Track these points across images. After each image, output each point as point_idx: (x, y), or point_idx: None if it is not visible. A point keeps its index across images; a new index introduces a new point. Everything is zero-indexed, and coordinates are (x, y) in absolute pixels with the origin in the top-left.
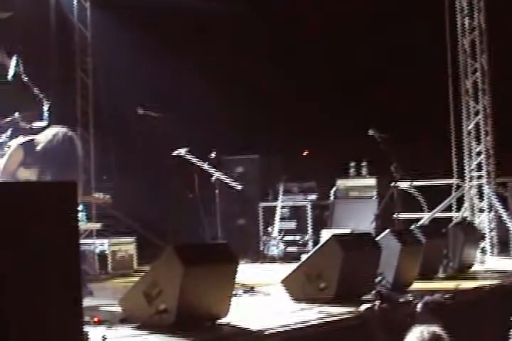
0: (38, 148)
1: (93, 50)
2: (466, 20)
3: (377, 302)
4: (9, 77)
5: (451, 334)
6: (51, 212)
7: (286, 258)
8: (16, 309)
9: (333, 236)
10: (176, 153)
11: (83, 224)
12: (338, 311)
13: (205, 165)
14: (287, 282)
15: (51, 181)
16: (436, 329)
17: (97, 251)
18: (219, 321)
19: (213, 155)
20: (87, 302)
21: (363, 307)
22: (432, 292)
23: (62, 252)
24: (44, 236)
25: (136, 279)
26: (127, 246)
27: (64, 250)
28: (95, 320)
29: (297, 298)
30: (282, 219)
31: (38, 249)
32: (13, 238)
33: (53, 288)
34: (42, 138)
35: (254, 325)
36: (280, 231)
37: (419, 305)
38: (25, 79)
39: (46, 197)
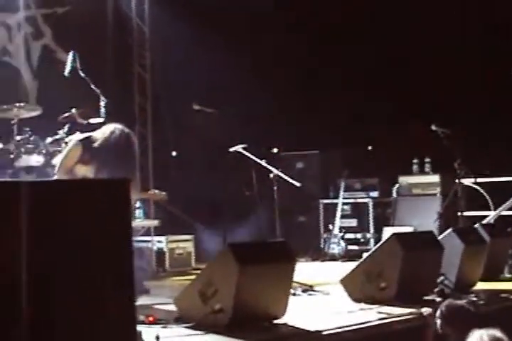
0: (95, 145)
1: (151, 45)
2: None
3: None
4: (66, 72)
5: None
6: (104, 209)
7: (347, 256)
8: (64, 309)
9: (394, 234)
10: (233, 149)
11: (140, 221)
12: (398, 312)
13: (263, 162)
14: (346, 281)
15: (104, 178)
16: (496, 332)
17: (155, 248)
18: (276, 321)
19: (275, 150)
20: (142, 300)
21: (424, 309)
22: (497, 293)
23: (116, 250)
24: (97, 234)
25: (194, 277)
26: (185, 243)
27: (117, 248)
28: (150, 319)
29: (356, 298)
30: (343, 216)
31: (90, 247)
32: (66, 236)
33: (106, 288)
34: (99, 135)
35: (311, 326)
36: (341, 228)
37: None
38: (82, 74)
39: (99, 194)
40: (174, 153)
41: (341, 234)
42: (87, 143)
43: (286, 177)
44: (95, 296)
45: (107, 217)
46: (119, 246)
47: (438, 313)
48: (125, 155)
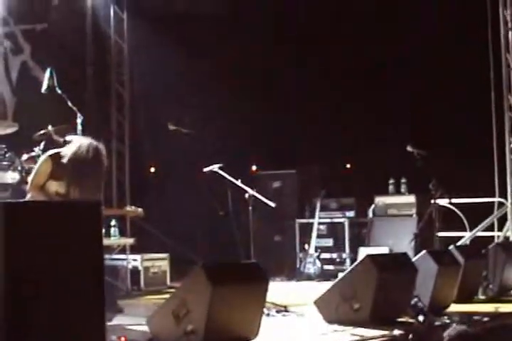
0: (64, 160)
1: (129, 61)
2: (510, 34)
3: (412, 325)
4: (43, 89)
5: None
6: (76, 231)
7: (322, 276)
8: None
9: (368, 255)
10: (208, 169)
11: (116, 239)
12: (371, 334)
13: (239, 182)
14: (320, 302)
15: (76, 201)
16: None
17: (130, 266)
18: None
19: (254, 167)
20: (116, 320)
21: (396, 331)
22: (469, 315)
23: (86, 271)
24: (69, 253)
25: (167, 297)
26: (160, 262)
27: (88, 269)
28: (122, 340)
29: (330, 319)
30: (319, 236)
31: (61, 267)
32: (38, 255)
33: (76, 309)
34: (68, 150)
35: None
36: (317, 248)
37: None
38: (59, 91)
39: (71, 215)
40: (152, 169)
41: (317, 253)
42: (56, 158)
43: (261, 198)
44: (65, 316)
45: (79, 239)
46: (90, 267)
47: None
48: (93, 170)
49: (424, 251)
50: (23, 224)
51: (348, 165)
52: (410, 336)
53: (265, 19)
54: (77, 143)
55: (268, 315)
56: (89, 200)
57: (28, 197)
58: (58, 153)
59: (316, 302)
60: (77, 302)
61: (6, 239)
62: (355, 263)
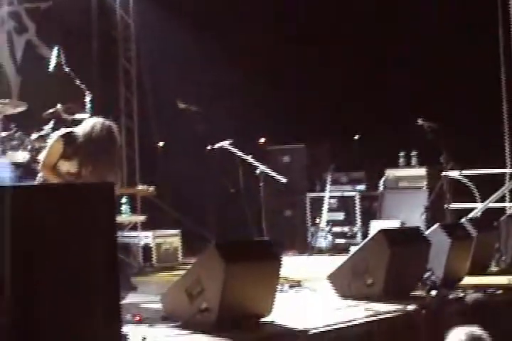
0: (77, 140)
1: (136, 37)
2: None
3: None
4: (50, 68)
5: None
6: (89, 213)
7: (334, 249)
8: (48, 310)
9: (381, 230)
10: (219, 145)
11: (127, 217)
12: (385, 308)
13: (250, 158)
14: (333, 277)
15: (89, 183)
16: (475, 330)
17: (142, 243)
18: (262, 320)
19: (262, 140)
20: (130, 298)
21: (411, 306)
22: (484, 287)
23: (101, 252)
24: (83, 237)
25: (181, 272)
26: (172, 238)
27: (103, 250)
28: (137, 318)
29: (343, 294)
30: (330, 210)
31: (75, 249)
32: (50, 239)
33: (91, 288)
34: (80, 130)
35: (298, 324)
36: (328, 222)
37: None
38: (66, 70)
39: (85, 197)
40: (161, 144)
41: (328, 227)
42: (68, 138)
43: (272, 173)
44: (80, 297)
45: (92, 223)
46: (105, 248)
47: None
48: (107, 149)
49: (436, 225)
50: (32, 208)
51: (358, 136)
52: (423, 311)
53: None
54: (89, 122)
55: (281, 290)
56: (102, 182)
57: (39, 176)
58: (70, 132)
59: (329, 278)
60: (91, 290)
61: (14, 223)
62: (368, 237)
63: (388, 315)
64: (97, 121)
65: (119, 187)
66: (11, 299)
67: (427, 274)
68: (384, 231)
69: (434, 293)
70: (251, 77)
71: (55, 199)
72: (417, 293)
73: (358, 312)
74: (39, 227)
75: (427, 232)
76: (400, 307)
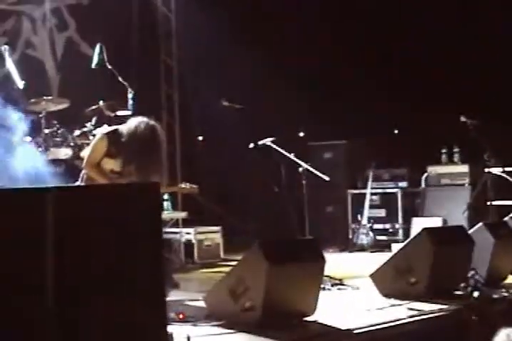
0: (121, 139)
1: (177, 34)
2: None
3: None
4: (93, 65)
5: None
6: (135, 214)
7: (375, 246)
8: (93, 310)
9: (424, 229)
10: (261, 143)
11: (169, 213)
12: (428, 308)
13: (292, 156)
14: (376, 276)
15: (134, 183)
16: None
17: (183, 240)
18: (306, 318)
19: (301, 134)
20: (173, 295)
21: (454, 306)
22: None
23: (147, 252)
24: (128, 237)
25: (223, 269)
26: (213, 234)
27: (148, 250)
28: (180, 316)
29: (386, 293)
30: (372, 206)
31: (121, 249)
32: (94, 240)
33: (137, 290)
34: (125, 129)
35: (342, 323)
36: (369, 219)
37: None
38: (109, 67)
39: (131, 198)
40: (201, 139)
41: (370, 224)
42: (112, 136)
43: (315, 171)
44: (126, 297)
45: (138, 222)
46: (151, 249)
47: None
48: (151, 149)
49: (480, 224)
50: (77, 209)
51: (397, 131)
52: (467, 310)
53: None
54: (134, 121)
55: (324, 288)
56: (147, 183)
57: (83, 173)
58: (114, 130)
59: (371, 276)
60: (137, 289)
61: (59, 225)
62: (411, 235)
63: (432, 315)
64: (142, 120)
65: (164, 187)
66: (55, 299)
67: (471, 273)
68: (427, 230)
69: (477, 292)
70: (292, 74)
71: (100, 200)
72: (461, 292)
73: (402, 311)
74: (84, 228)
75: (470, 231)
76: (443, 306)
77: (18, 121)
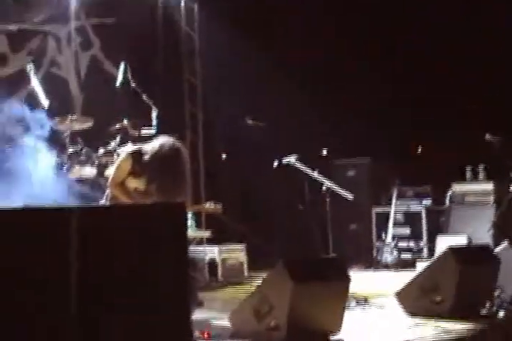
0: (146, 158)
1: (200, 52)
2: None
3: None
4: (118, 83)
5: None
6: (161, 233)
7: (400, 265)
8: (117, 329)
9: (450, 248)
10: (285, 161)
11: (192, 232)
12: (454, 327)
13: (316, 173)
14: (401, 295)
15: (160, 203)
16: None
17: (207, 258)
18: (331, 337)
19: (325, 152)
20: (197, 314)
21: (480, 325)
22: None
23: (172, 273)
24: (154, 257)
25: (247, 287)
26: (238, 253)
27: (174, 269)
28: (205, 335)
29: (411, 312)
30: (396, 224)
31: (146, 269)
32: (119, 259)
33: (163, 309)
34: (149, 149)
35: None
36: (394, 237)
37: None
38: (133, 85)
39: (156, 218)
40: (224, 156)
41: (394, 242)
42: (137, 155)
43: (338, 190)
44: (151, 315)
45: (163, 242)
46: (177, 268)
47: None
48: (173, 168)
49: (506, 243)
50: (101, 229)
51: (420, 148)
52: (493, 329)
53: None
54: (159, 141)
55: (348, 307)
56: (173, 203)
57: (107, 192)
58: (139, 150)
59: (396, 295)
60: (162, 308)
61: (83, 245)
62: (436, 254)
63: (458, 334)
64: (167, 140)
65: (188, 206)
66: (77, 297)
67: (497, 292)
68: (452, 250)
69: (503, 311)
70: (315, 91)
71: (125, 220)
72: (486, 311)
73: (427, 330)
74: (109, 248)
75: (496, 250)
76: (469, 325)
77: (41, 128)
